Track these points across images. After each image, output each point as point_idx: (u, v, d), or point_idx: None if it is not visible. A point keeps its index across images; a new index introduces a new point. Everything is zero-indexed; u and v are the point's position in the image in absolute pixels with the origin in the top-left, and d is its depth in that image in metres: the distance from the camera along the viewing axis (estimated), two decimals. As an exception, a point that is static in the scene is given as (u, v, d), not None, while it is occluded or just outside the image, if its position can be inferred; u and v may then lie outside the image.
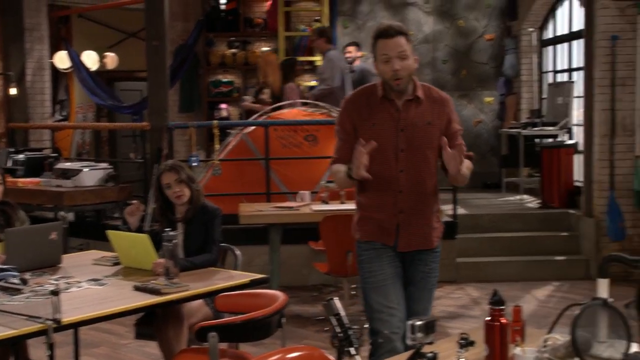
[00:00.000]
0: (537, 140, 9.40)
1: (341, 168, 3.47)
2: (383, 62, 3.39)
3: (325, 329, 5.91)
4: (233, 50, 11.27)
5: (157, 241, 4.05)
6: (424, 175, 3.47)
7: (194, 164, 7.27)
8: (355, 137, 3.42)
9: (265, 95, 8.98)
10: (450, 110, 3.55)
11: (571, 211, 8.33)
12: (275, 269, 6.24)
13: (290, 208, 6.33)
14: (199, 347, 3.94)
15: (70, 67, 10.34)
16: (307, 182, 7.23)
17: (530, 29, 10.35)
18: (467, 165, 3.44)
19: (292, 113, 7.92)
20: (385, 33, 3.37)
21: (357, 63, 9.20)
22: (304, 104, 8.28)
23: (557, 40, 10.04)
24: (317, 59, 10.77)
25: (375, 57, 3.46)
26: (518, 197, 9.37)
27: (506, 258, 7.89)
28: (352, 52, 9.21)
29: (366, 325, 5.67)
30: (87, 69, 10.37)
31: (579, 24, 9.00)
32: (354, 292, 6.81)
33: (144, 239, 4.04)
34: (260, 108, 8.96)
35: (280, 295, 3.58)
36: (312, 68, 11.23)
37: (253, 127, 7.69)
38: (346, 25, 10.93)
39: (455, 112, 3.61)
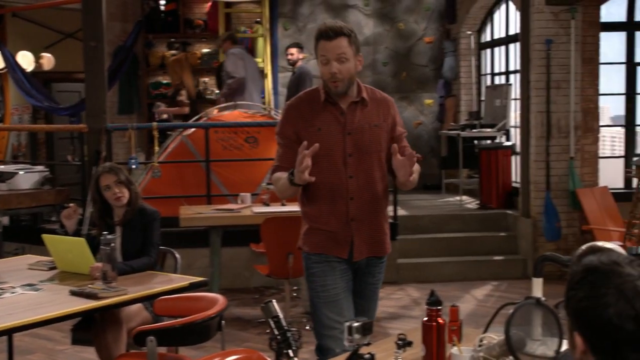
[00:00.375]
0: (475, 141, 9.54)
1: (282, 176, 3.28)
2: (322, 64, 3.27)
3: (267, 331, 5.89)
4: (173, 52, 11.17)
5: (95, 245, 4.00)
6: (374, 179, 3.34)
7: (134, 166, 7.18)
8: (299, 143, 3.25)
9: (183, 96, 9.00)
10: (395, 112, 3.45)
11: (509, 212, 8.48)
12: (216, 272, 6.21)
13: (231, 210, 6.30)
14: (137, 351, 3.90)
15: (5, 68, 10.11)
16: (248, 184, 7.21)
17: (469, 32, 10.50)
18: (416, 169, 3.31)
19: (232, 115, 7.89)
20: (325, 35, 3.24)
21: (299, 64, 9.22)
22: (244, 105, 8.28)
23: (495, 43, 10.21)
24: (259, 60, 10.76)
25: (316, 57, 3.34)
26: (457, 198, 9.49)
27: (446, 258, 7.99)
28: (294, 53, 9.22)
29: (308, 328, 5.70)
30: (22, 70, 10.15)
31: (515, 28, 9.16)
32: (295, 294, 6.83)
33: (80, 242, 3.98)
34: (179, 111, 8.98)
35: (219, 298, 3.56)
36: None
37: (193, 129, 7.63)
38: (287, 27, 10.94)
39: (398, 113, 3.52)
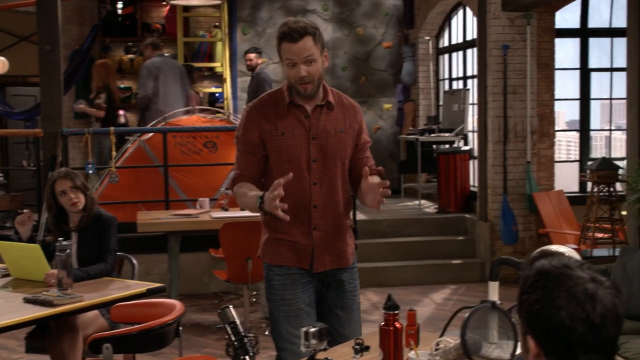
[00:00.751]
0: (434, 146, 9.60)
1: (248, 192, 3.06)
2: (288, 67, 3.06)
3: (226, 337, 5.86)
4: (130, 56, 11.07)
5: (51, 252, 3.96)
6: (337, 186, 3.18)
7: (90, 171, 7.10)
8: (261, 147, 3.14)
9: (101, 99, 9.06)
10: (361, 119, 3.29)
11: (467, 215, 8.55)
12: (175, 278, 6.16)
13: (189, 215, 6.26)
14: (94, 359, 3.85)
15: (-42, 72, 9.93)
16: (207, 189, 7.19)
17: (427, 38, 10.57)
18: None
19: (191, 120, 7.85)
20: (288, 36, 3.02)
21: (258, 69, 9.22)
22: (202, 110, 8.26)
23: (452, 48, 10.30)
24: (217, 64, 10.73)
25: (280, 59, 3.13)
26: (416, 202, 9.54)
27: (405, 262, 8.02)
28: (252, 59, 9.21)
29: (267, 333, 5.69)
30: (-25, 74, 9.99)
31: (472, 33, 9.25)
32: (255, 299, 6.80)
33: (35, 249, 3.92)
34: (96, 112, 9.04)
35: (177, 304, 3.54)
36: (211, 74, 11.17)
37: (151, 134, 7.57)
38: (246, 32, 10.91)
39: (364, 120, 3.34)
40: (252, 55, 9.21)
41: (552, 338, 1.40)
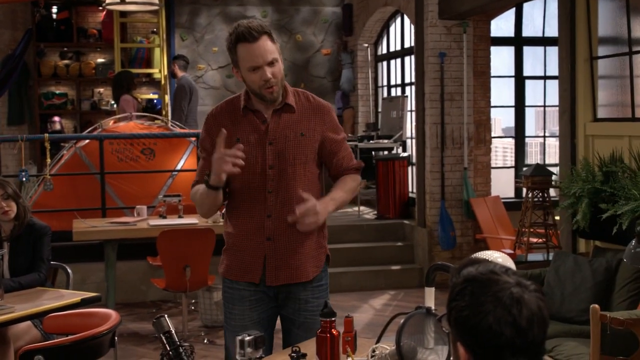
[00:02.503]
0: (373, 152, 9.67)
1: (201, 187, 2.95)
2: (250, 72, 2.85)
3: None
4: (66, 61, 10.90)
5: (-20, 262, 3.86)
6: (297, 195, 2.90)
7: (24, 179, 6.95)
8: None
9: None
10: (330, 120, 3.05)
11: (406, 221, 8.62)
12: (111, 286, 6.08)
13: (126, 223, 6.19)
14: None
15: None
16: (145, 196, 7.12)
17: (365, 45, 10.65)
18: (346, 191, 3.09)
19: (128, 126, 7.75)
20: (247, 35, 2.81)
21: (181, 74, 9.23)
22: (140, 117, 8.17)
23: (391, 55, 10.40)
24: (155, 70, 10.63)
25: (236, 65, 2.91)
26: (355, 208, 9.58)
27: (344, 269, 8.04)
28: (173, 66, 9.35)
29: (207, 341, 5.65)
30: None
31: (410, 41, 9.35)
32: (193, 307, 6.75)
33: (-36, 259, 3.83)
34: None
35: (112, 313, 3.49)
36: (149, 80, 11.07)
37: (87, 141, 7.45)
38: (184, 38, 10.83)
39: (335, 119, 3.10)
40: (173, 64, 9.39)
41: (480, 343, 1.43)
